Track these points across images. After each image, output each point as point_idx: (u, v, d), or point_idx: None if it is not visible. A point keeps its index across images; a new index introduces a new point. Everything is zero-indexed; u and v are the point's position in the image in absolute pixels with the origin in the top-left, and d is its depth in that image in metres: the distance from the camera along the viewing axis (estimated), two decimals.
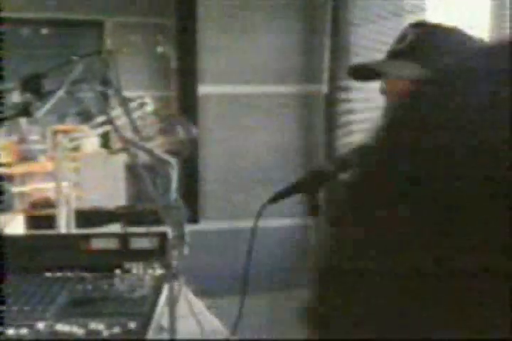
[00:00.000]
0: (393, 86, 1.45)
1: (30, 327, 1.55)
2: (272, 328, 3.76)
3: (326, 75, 3.90)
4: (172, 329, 1.65)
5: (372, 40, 3.58)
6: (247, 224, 2.78)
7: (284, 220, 3.71)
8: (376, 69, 1.49)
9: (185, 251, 1.73)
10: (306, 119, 3.97)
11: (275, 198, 1.48)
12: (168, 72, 4.67)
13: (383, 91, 1.49)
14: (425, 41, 1.40)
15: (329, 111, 3.89)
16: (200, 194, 3.84)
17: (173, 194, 1.88)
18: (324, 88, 3.89)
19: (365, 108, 3.75)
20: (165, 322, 1.70)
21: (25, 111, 1.71)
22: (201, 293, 2.35)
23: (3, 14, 6.65)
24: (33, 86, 1.75)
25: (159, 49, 3.70)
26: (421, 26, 1.45)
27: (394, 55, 1.45)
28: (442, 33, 1.41)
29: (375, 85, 1.75)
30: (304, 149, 3.95)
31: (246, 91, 3.90)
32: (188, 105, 4.01)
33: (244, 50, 3.99)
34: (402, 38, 1.44)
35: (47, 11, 6.52)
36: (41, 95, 1.74)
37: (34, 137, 6.37)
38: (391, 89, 1.46)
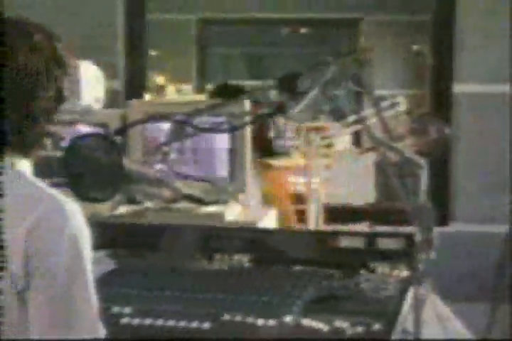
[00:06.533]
0: None
1: (278, 319, 1.60)
2: None
3: None
4: (417, 333, 1.63)
5: None
6: (499, 228, 2.67)
7: None
8: None
9: (433, 254, 1.69)
10: None
11: None
12: (423, 70, 4.60)
13: None
14: None
15: None
16: (450, 195, 3.74)
17: (422, 195, 1.85)
18: None
19: None
20: (409, 326, 1.68)
21: (280, 109, 1.77)
22: (448, 297, 2.29)
23: (264, 15, 6.91)
24: (289, 85, 1.81)
25: (415, 47, 3.65)
26: None
27: None
28: None
29: None
30: None
31: (502, 91, 3.73)
32: (441, 104, 3.92)
33: (503, 48, 3.81)
34: None
35: (306, 11, 6.70)
36: (296, 94, 1.79)
37: (288, 133, 6.58)
38: None
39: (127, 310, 1.66)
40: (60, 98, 1.41)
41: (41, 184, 1.36)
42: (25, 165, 1.39)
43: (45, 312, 1.28)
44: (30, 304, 1.28)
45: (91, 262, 1.34)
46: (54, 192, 1.34)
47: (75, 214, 1.32)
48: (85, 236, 1.33)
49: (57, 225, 1.29)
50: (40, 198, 1.32)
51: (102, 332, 1.32)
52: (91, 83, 2.69)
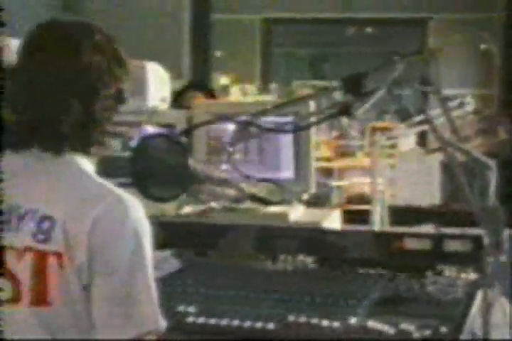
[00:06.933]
0: None
1: (343, 321, 1.59)
2: None
3: None
4: (485, 337, 1.60)
5: None
6: None
7: None
8: None
9: (503, 258, 1.65)
10: None
11: None
12: (491, 69, 4.51)
13: None
14: None
15: None
16: None
17: (491, 197, 1.82)
18: None
19: None
20: (478, 330, 1.65)
21: (345, 110, 1.76)
22: None
23: (329, 15, 6.89)
24: (354, 86, 1.79)
25: (483, 46, 3.58)
26: None
27: None
28: None
29: None
30: None
31: None
32: (510, 104, 3.84)
33: None
34: None
35: (372, 11, 6.64)
36: (362, 95, 1.77)
37: (353, 133, 6.55)
38: None
39: (192, 309, 1.67)
40: (120, 98, 1.43)
41: (102, 180, 1.38)
42: (86, 163, 1.41)
43: (107, 301, 1.30)
44: (92, 293, 1.31)
45: (153, 258, 1.35)
46: (115, 188, 1.37)
47: (136, 209, 1.34)
48: (145, 229, 1.35)
49: (119, 219, 1.32)
50: (102, 194, 1.34)
51: (162, 322, 1.34)
52: (157, 84, 2.72)
